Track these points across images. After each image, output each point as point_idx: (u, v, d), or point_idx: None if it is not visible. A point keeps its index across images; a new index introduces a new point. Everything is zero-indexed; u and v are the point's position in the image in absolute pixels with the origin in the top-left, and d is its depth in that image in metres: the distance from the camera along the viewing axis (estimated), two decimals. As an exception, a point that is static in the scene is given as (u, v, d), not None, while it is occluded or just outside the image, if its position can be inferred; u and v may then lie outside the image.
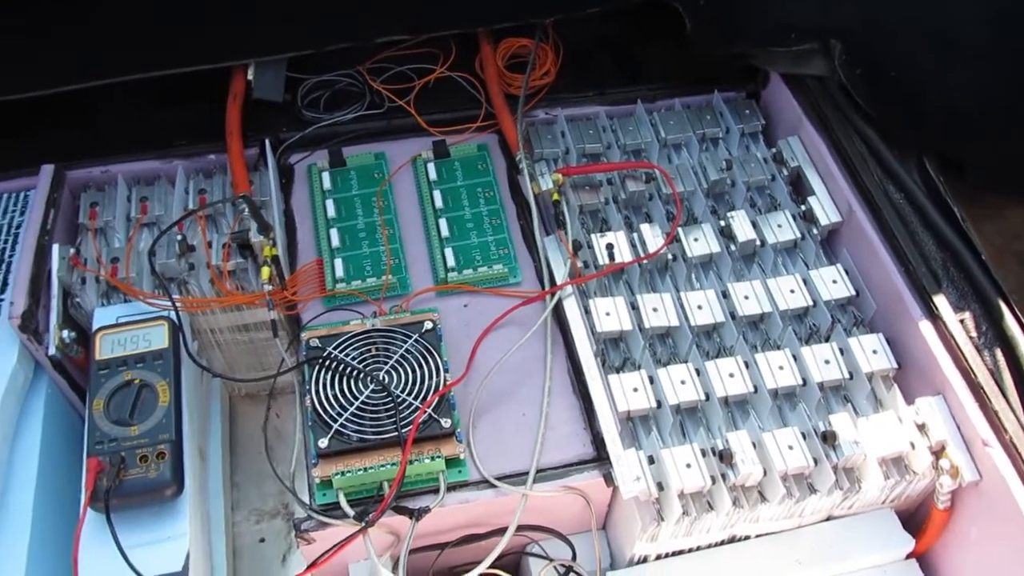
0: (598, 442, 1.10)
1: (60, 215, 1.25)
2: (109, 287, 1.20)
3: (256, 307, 1.22)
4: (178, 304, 1.15)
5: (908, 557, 1.14)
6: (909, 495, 1.12)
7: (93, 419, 1.06)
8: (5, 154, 1.33)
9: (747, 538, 1.13)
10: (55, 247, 1.20)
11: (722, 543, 1.13)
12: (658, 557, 1.12)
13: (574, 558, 1.12)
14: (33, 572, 1.05)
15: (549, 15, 1.40)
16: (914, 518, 1.15)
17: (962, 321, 1.09)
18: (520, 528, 1.07)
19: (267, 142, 1.33)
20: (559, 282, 1.20)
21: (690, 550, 1.13)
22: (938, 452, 1.07)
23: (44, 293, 1.17)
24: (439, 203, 1.30)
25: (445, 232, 1.27)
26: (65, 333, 1.16)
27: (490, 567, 1.03)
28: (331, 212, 1.29)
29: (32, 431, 1.15)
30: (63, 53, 1.30)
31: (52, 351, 1.14)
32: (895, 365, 1.13)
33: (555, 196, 1.25)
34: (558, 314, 1.19)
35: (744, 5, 1.32)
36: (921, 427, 1.08)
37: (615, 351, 1.16)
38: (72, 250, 1.22)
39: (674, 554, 1.12)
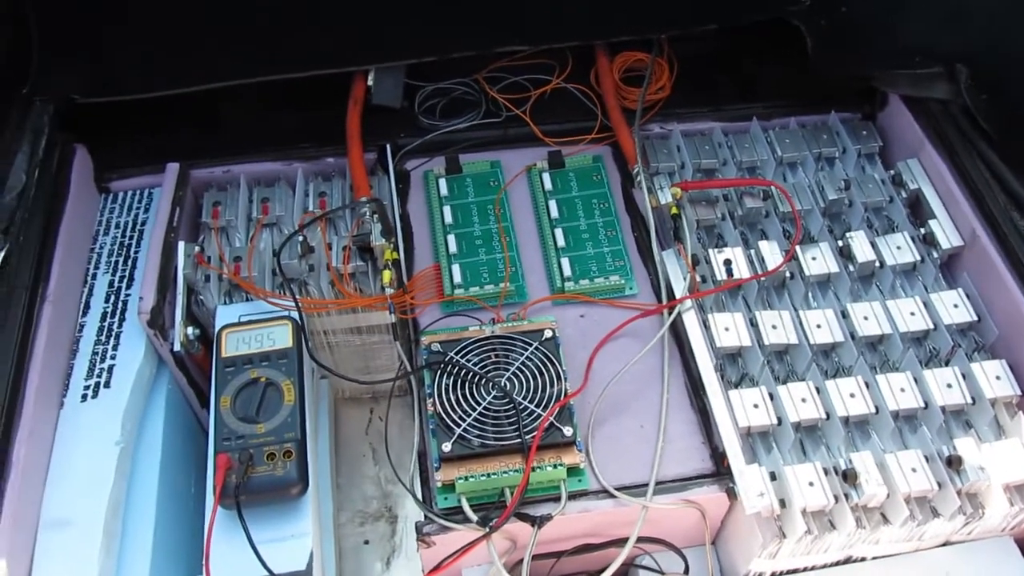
0: (717, 457, 1.09)
1: (184, 213, 1.26)
2: (231, 285, 1.20)
3: (373, 310, 1.21)
4: (300, 304, 1.16)
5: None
6: (1031, 523, 1.10)
7: (220, 416, 1.06)
8: (131, 152, 1.34)
9: (862, 559, 1.11)
10: (181, 244, 1.21)
11: (836, 563, 1.11)
12: (772, 575, 1.10)
13: (687, 572, 1.11)
14: (158, 565, 1.06)
15: (665, 30, 1.39)
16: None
17: None
18: (637, 540, 1.06)
19: (387, 147, 1.33)
20: (677, 296, 1.18)
21: (804, 569, 1.11)
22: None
23: (170, 290, 1.18)
24: (555, 213, 1.30)
25: (561, 242, 1.27)
26: (189, 330, 1.17)
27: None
28: (448, 218, 1.29)
29: (155, 425, 1.16)
30: (190, 56, 1.31)
31: (177, 347, 1.15)
32: (1019, 392, 1.10)
33: (673, 210, 1.24)
34: (675, 328, 1.18)
35: (868, 27, 1.30)
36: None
37: (733, 367, 1.15)
38: (197, 248, 1.23)
39: (788, 572, 1.10)
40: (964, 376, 1.12)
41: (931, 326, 1.16)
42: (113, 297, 1.20)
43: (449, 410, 1.07)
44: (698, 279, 1.20)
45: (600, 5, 1.35)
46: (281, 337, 1.13)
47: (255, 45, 1.32)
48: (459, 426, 1.05)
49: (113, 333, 1.17)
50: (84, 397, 1.11)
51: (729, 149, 1.34)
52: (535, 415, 1.06)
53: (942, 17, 1.25)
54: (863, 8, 1.30)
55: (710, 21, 1.37)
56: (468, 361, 1.11)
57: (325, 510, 1.23)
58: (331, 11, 1.30)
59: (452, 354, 1.12)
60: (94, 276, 1.23)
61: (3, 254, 1.12)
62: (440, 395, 1.08)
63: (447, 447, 1.04)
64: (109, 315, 1.18)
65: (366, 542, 1.32)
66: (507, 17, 1.34)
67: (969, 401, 1.10)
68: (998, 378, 1.11)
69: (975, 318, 1.17)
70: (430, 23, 1.33)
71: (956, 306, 1.18)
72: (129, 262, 1.24)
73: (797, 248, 1.22)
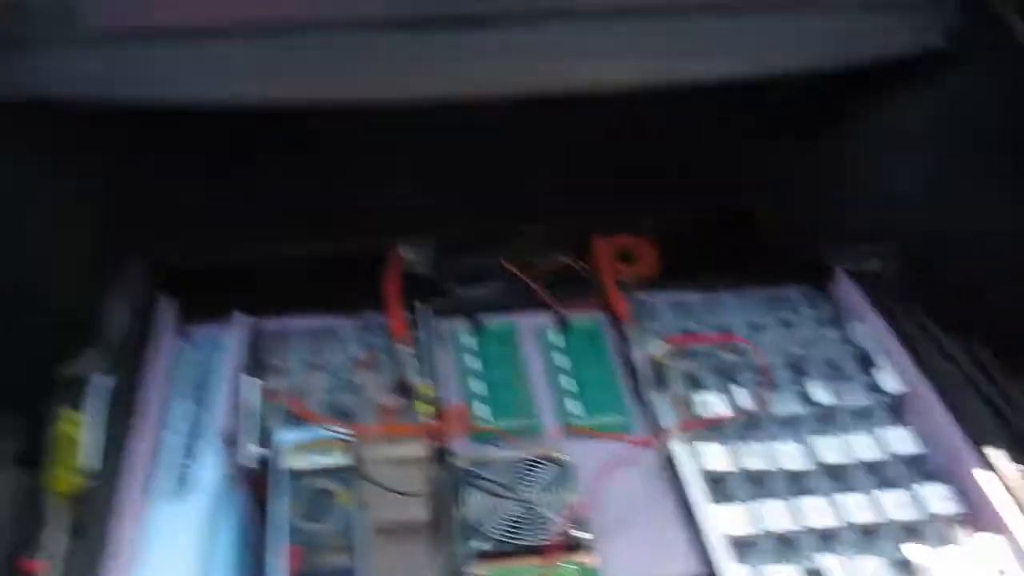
0: (707, 561, 1.22)
1: (250, 355, 1.42)
2: (292, 415, 1.35)
3: (412, 438, 1.35)
4: (352, 431, 1.30)
5: None
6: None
7: (289, 515, 1.18)
8: (203, 304, 1.51)
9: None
10: (247, 379, 1.36)
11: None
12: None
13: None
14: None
15: (646, 218, 1.61)
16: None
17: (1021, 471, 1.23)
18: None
19: (418, 306, 1.50)
20: (668, 430, 1.34)
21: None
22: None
23: (242, 416, 1.32)
24: (563, 364, 1.47)
25: (568, 387, 1.43)
26: (256, 449, 1.30)
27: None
28: (473, 366, 1.45)
29: (229, 528, 1.27)
30: (252, 229, 1.50)
31: (246, 463, 1.29)
32: (962, 510, 1.25)
33: (662, 361, 1.41)
34: (668, 456, 1.33)
35: (814, 216, 1.52)
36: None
37: (718, 487, 1.29)
38: (261, 383, 1.37)
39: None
40: (913, 497, 1.27)
41: (884, 456, 1.32)
42: (192, 420, 1.34)
43: (479, 516, 1.20)
44: (686, 417, 1.36)
45: (590, 199, 1.57)
46: (337, 455, 1.27)
47: (306, 220, 1.51)
48: (488, 528, 1.18)
49: (193, 449, 1.30)
50: (171, 498, 1.24)
51: (705, 313, 1.53)
52: (554, 522, 1.20)
53: (876, 206, 1.48)
54: (809, 200, 1.53)
55: (684, 214, 1.59)
56: (496, 476, 1.25)
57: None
58: (370, 193, 1.50)
59: (481, 472, 1.26)
60: (174, 403, 1.37)
61: (112, 386, 1.27)
62: (470, 504, 1.22)
63: (482, 545, 1.17)
64: (189, 435, 1.32)
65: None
66: (519, 206, 1.55)
67: (919, 517, 1.25)
68: (944, 499, 1.27)
69: (922, 451, 1.33)
70: (455, 205, 1.54)
71: (903, 440, 1.34)
72: (204, 393, 1.38)
73: (765, 393, 1.39)
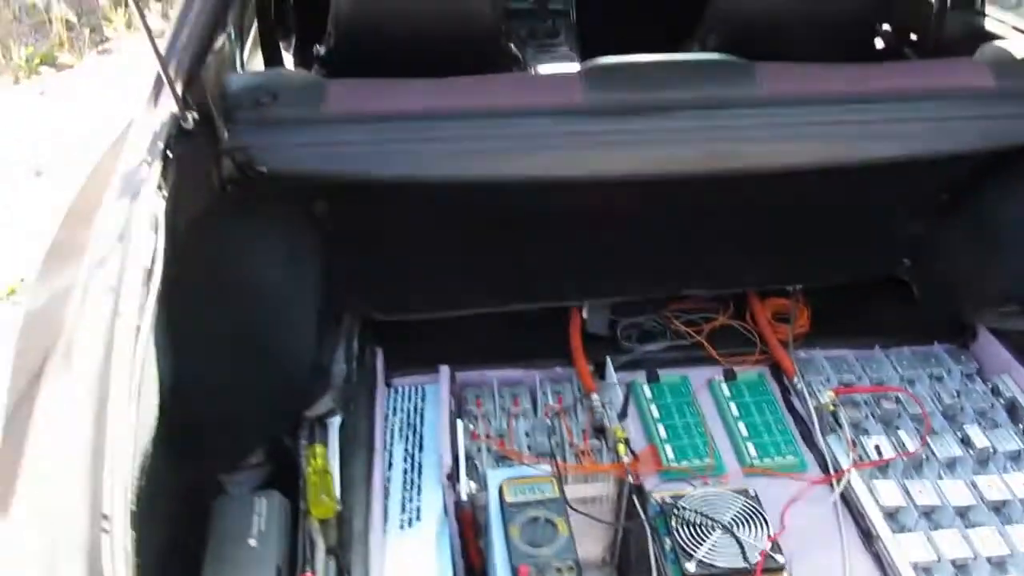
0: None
1: (456, 402, 1.58)
2: (498, 454, 1.50)
3: (605, 475, 1.49)
4: (555, 469, 1.44)
5: None
6: None
7: (512, 541, 1.32)
8: (410, 355, 1.66)
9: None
10: (459, 423, 1.52)
11: None
12: None
13: None
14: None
15: (801, 283, 1.76)
16: None
17: None
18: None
19: (605, 361, 1.65)
20: (843, 469, 1.47)
21: None
22: None
23: (457, 456, 1.47)
24: (735, 412, 1.61)
25: (742, 432, 1.57)
26: (472, 485, 1.45)
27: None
28: (655, 414, 1.60)
29: (445, 562, 1.41)
30: (454, 292, 1.67)
31: (463, 498, 1.43)
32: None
33: (831, 408, 1.55)
34: (843, 493, 1.46)
35: (960, 280, 1.66)
36: None
37: (893, 520, 1.41)
38: (471, 427, 1.53)
39: None
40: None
41: (1040, 495, 1.45)
42: (409, 459, 1.49)
43: (685, 542, 1.33)
44: (856, 458, 1.49)
45: (752, 264, 1.72)
46: (547, 489, 1.41)
47: (503, 285, 1.68)
48: (695, 553, 1.31)
49: (414, 484, 1.45)
50: (401, 526, 1.38)
51: (860, 367, 1.67)
52: (754, 548, 1.32)
53: (1015, 271, 1.61)
54: (955, 266, 1.67)
55: (836, 279, 1.74)
56: (694, 508, 1.39)
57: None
58: (554, 258, 1.67)
59: (680, 503, 1.39)
60: (392, 443, 1.52)
61: (340, 422, 1.43)
62: (673, 534, 1.35)
63: (691, 567, 1.30)
64: (408, 471, 1.47)
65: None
66: (687, 271, 1.71)
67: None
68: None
69: (1074, 491, 1.45)
70: (630, 273, 1.70)
71: (1057, 480, 1.47)
72: (416, 435, 1.53)
73: (926, 437, 1.52)
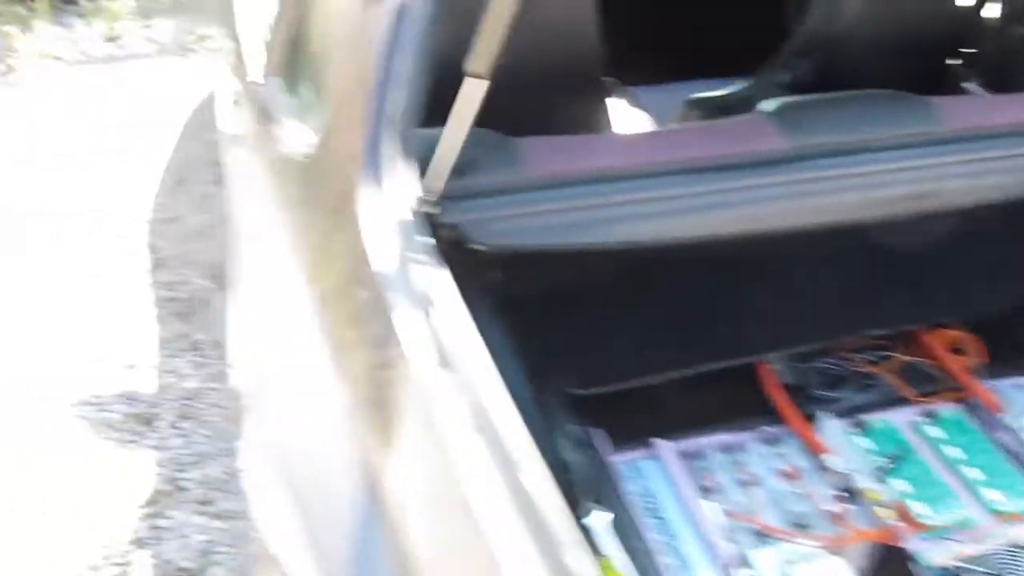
0: None
1: (683, 476, 1.44)
2: (758, 531, 1.37)
3: (868, 541, 1.39)
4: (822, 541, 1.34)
5: None
6: None
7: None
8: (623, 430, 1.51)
9: None
10: (705, 504, 1.38)
11: None
12: None
13: None
14: None
15: (977, 312, 1.72)
16: None
17: None
18: None
19: (820, 415, 1.55)
20: None
21: None
22: None
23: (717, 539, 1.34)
24: (954, 455, 1.53)
25: (974, 477, 1.49)
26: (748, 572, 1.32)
27: None
28: (881, 464, 1.50)
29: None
30: (652, 361, 1.54)
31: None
32: None
33: (1056, 443, 1.50)
34: None
35: None
36: None
37: None
38: (719, 506, 1.39)
39: None
40: None
41: None
42: (664, 546, 1.35)
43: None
44: None
45: (930, 297, 1.67)
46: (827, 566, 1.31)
47: (692, 343, 1.56)
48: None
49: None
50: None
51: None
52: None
53: None
54: None
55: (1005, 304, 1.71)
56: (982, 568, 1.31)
57: None
58: (744, 315, 1.56)
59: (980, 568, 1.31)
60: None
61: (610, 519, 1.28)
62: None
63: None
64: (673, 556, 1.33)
65: None
66: (869, 309, 1.64)
67: None
68: None
69: None
70: (816, 318, 1.61)
71: None
72: (660, 519, 1.39)
73: None
